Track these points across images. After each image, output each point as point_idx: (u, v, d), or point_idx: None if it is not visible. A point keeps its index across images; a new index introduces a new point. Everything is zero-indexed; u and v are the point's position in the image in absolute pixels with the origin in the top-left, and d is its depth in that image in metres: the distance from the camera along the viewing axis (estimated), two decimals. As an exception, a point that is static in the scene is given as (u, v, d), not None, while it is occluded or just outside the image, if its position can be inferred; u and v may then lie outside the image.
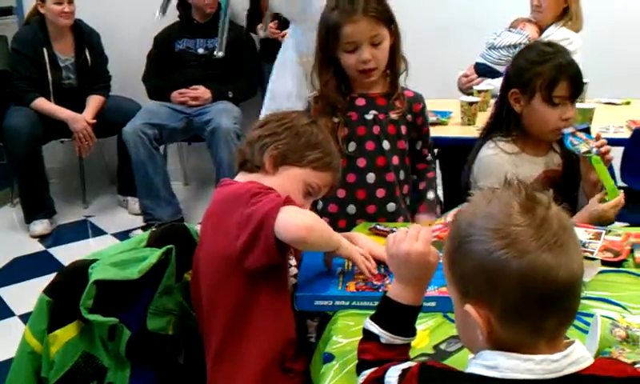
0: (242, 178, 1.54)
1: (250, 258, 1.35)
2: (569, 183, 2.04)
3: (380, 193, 2.04)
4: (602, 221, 1.85)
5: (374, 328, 1.13)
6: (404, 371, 1.02)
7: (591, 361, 0.93)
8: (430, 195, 2.14)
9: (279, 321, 1.47)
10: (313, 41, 2.04)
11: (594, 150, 1.91)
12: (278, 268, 1.43)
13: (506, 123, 2.02)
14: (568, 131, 1.95)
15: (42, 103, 3.88)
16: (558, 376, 0.89)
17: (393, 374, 1.03)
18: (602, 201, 1.89)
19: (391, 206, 2.07)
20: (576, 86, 1.95)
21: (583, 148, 1.92)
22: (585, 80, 3.20)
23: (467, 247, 0.93)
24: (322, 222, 1.44)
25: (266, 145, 1.52)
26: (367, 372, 1.11)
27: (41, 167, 3.93)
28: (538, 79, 1.91)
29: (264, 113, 2.74)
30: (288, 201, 1.36)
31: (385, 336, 1.12)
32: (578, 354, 0.92)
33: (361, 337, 1.17)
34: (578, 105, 2.95)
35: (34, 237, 3.86)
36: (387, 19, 1.95)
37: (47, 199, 4.00)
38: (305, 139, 1.53)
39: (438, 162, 3.13)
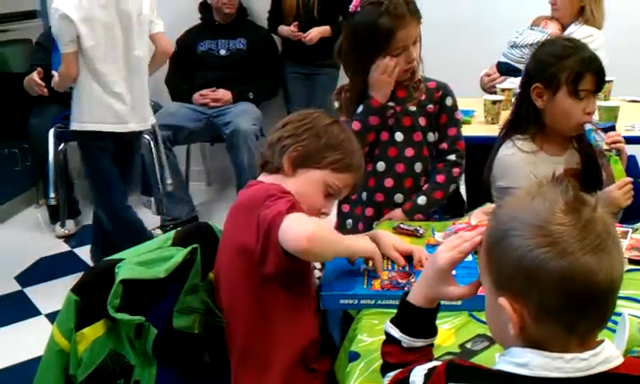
0: (264, 179, 1.55)
1: (268, 264, 1.34)
2: (589, 182, 2.01)
3: (388, 183, 2.06)
4: (613, 206, 1.85)
5: (395, 332, 1.12)
6: (430, 370, 1.01)
7: (621, 360, 0.92)
8: (421, 200, 2.05)
9: (301, 321, 1.47)
10: None
11: (614, 151, 1.92)
12: (298, 269, 1.41)
13: (525, 119, 2.01)
14: (590, 127, 1.95)
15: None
16: (587, 374, 0.89)
17: (418, 374, 1.02)
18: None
19: (398, 197, 2.08)
20: (600, 80, 1.95)
21: (605, 146, 1.92)
22: (610, 78, 3.21)
23: (508, 241, 0.91)
24: (326, 230, 1.40)
25: (286, 146, 1.51)
26: (392, 373, 1.11)
27: (65, 167, 3.97)
28: (563, 73, 1.91)
29: None
30: (292, 208, 1.33)
31: (405, 340, 1.11)
32: (608, 353, 0.91)
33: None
34: (604, 103, 2.95)
35: (60, 237, 3.91)
36: (420, 18, 1.97)
37: (72, 200, 4.04)
38: (325, 140, 1.51)
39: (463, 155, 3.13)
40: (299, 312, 1.48)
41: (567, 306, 0.89)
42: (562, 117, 1.96)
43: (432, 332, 1.13)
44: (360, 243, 1.49)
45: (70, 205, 4.02)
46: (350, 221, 2.16)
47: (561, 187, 0.93)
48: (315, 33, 4.01)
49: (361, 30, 1.98)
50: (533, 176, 1.90)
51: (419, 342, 1.11)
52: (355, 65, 2.03)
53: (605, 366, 0.90)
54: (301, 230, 1.28)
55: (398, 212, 2.05)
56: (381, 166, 2.06)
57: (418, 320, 1.12)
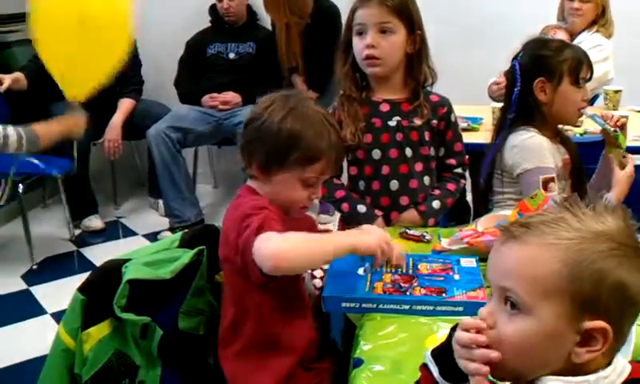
0: (250, 183, 1.54)
1: (252, 278, 1.36)
2: (575, 170, 2.12)
3: (404, 200, 2.02)
4: (631, 180, 2.00)
5: (434, 370, 1.03)
6: None
7: (629, 367, 0.91)
8: (435, 204, 2.04)
9: (296, 323, 1.48)
10: None
11: (618, 130, 2.04)
12: (283, 278, 1.40)
13: (528, 114, 2.05)
14: (591, 113, 2.07)
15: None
16: None
17: None
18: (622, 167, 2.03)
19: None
20: (592, 69, 2.07)
21: (610, 127, 2.04)
22: (619, 88, 3.21)
23: (602, 264, 0.84)
24: (295, 244, 1.34)
25: (251, 154, 1.48)
26: None
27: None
28: (565, 64, 2.01)
29: None
30: (261, 227, 1.32)
31: (442, 382, 1.02)
32: (621, 365, 0.90)
33: (388, 340, 1.14)
34: (611, 112, 2.94)
35: (91, 232, 3.98)
36: (405, 16, 1.93)
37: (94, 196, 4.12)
38: (282, 140, 1.44)
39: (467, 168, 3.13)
40: (292, 314, 1.50)
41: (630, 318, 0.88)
42: (566, 106, 2.04)
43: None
44: (349, 240, 1.41)
45: (94, 200, 4.09)
46: None
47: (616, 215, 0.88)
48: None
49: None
50: (554, 158, 1.98)
51: None
52: (341, 48, 2.02)
53: (622, 377, 0.89)
54: (263, 254, 1.30)
55: (411, 213, 2.03)
56: (394, 184, 2.01)
57: (456, 365, 0.99)
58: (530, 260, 0.87)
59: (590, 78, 2.08)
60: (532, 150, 2.00)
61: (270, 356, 1.46)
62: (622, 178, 1.99)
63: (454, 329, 1.03)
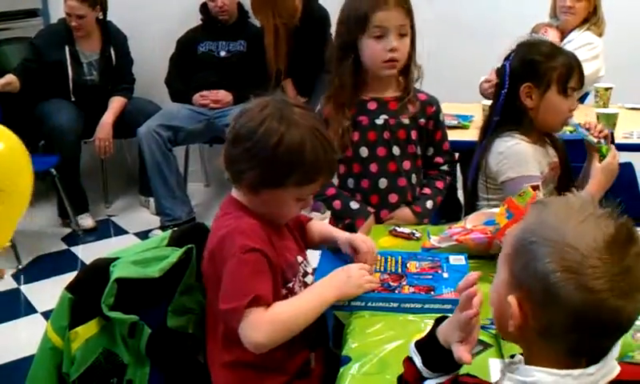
0: (235, 195, 1.50)
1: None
2: (564, 172, 2.10)
3: (392, 198, 2.04)
4: (612, 176, 1.95)
5: (417, 360, 1.09)
6: None
7: (618, 368, 0.92)
8: (429, 204, 2.06)
9: (289, 345, 1.43)
10: None
11: (602, 140, 1.99)
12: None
13: (515, 118, 2.02)
14: (577, 123, 2.02)
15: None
16: None
17: None
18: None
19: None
20: (582, 79, 2.03)
21: (594, 139, 1.99)
22: (610, 85, 3.22)
23: (541, 250, 0.88)
24: (286, 318, 1.36)
25: (242, 172, 1.41)
26: None
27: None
28: (554, 72, 1.96)
29: None
30: (250, 302, 1.31)
31: (425, 373, 1.07)
32: (609, 365, 0.91)
33: (376, 337, 1.16)
34: (602, 110, 2.96)
35: (85, 230, 3.96)
36: (412, 18, 1.95)
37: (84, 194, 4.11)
38: (278, 165, 1.38)
39: (458, 165, 3.13)
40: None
41: (577, 334, 0.88)
42: (552, 114, 2.00)
43: (453, 367, 1.07)
44: (334, 294, 1.44)
45: (87, 199, 4.08)
46: None
47: (616, 221, 0.88)
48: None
49: (345, 10, 1.97)
50: (539, 165, 1.96)
51: (439, 379, 1.06)
52: (341, 50, 1.98)
53: (608, 377, 0.90)
54: (249, 342, 1.33)
55: (405, 212, 2.04)
56: (383, 182, 2.03)
57: (439, 355, 1.07)
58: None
59: (581, 88, 2.04)
60: (517, 158, 1.98)
61: (262, 375, 1.45)
62: (598, 168, 1.95)
63: (437, 321, 1.08)
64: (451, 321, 1.07)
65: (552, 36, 3.33)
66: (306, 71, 3.94)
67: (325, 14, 3.85)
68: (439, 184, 2.11)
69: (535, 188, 1.83)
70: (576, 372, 0.88)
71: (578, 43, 3.26)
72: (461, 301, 1.05)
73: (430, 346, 1.09)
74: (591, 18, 3.39)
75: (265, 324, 1.33)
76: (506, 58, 2.08)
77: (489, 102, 2.98)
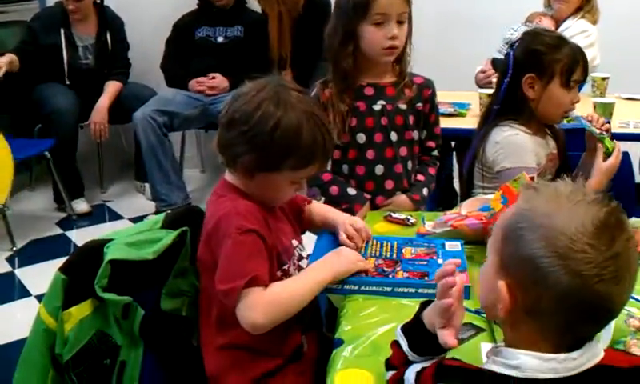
0: (228, 178, 1.48)
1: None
2: (563, 163, 2.10)
3: (388, 184, 2.04)
4: (611, 173, 1.96)
5: (403, 343, 1.10)
6: (420, 370, 1.01)
7: (602, 352, 0.92)
8: (425, 191, 2.07)
9: (284, 329, 1.44)
10: None
11: (604, 133, 1.99)
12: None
13: (516, 108, 2.01)
14: (579, 115, 2.02)
15: None
16: (577, 372, 0.89)
17: (410, 375, 1.03)
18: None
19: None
20: (587, 71, 2.02)
21: (597, 130, 1.99)
22: (606, 75, 3.21)
23: (531, 235, 0.89)
24: (283, 299, 1.36)
25: (237, 155, 1.40)
26: (391, 372, 1.11)
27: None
28: (557, 63, 1.95)
29: None
30: (248, 282, 1.31)
31: (411, 356, 1.08)
32: (593, 349, 0.92)
33: (369, 320, 1.17)
34: (599, 99, 2.96)
35: (80, 215, 3.95)
36: (410, 4, 1.94)
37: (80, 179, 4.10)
38: (275, 149, 1.37)
39: (454, 153, 3.14)
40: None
41: (563, 317, 0.88)
42: (553, 106, 1.99)
43: (439, 351, 1.07)
44: (330, 273, 1.45)
45: (82, 184, 4.07)
46: None
47: (606, 207, 0.88)
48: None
49: None
50: (537, 156, 1.96)
51: (425, 363, 1.06)
52: (340, 36, 1.95)
53: (592, 361, 0.90)
54: (246, 322, 1.33)
55: (402, 199, 2.04)
56: (380, 169, 2.02)
57: (425, 339, 1.08)
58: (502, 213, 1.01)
59: (584, 80, 2.03)
60: (514, 148, 1.98)
61: (255, 357, 1.44)
62: (601, 167, 1.94)
63: (423, 304, 1.10)
64: (433, 307, 1.08)
65: (546, 25, 3.33)
66: (306, 60, 3.93)
67: (327, 1, 3.83)
68: (432, 170, 2.12)
69: (531, 179, 1.84)
70: (561, 356, 0.89)
71: (573, 31, 3.26)
72: (437, 290, 1.06)
73: (415, 330, 1.09)
74: (585, 6, 3.40)
75: (263, 304, 1.33)
76: (511, 46, 2.06)
77: (486, 90, 2.99)
